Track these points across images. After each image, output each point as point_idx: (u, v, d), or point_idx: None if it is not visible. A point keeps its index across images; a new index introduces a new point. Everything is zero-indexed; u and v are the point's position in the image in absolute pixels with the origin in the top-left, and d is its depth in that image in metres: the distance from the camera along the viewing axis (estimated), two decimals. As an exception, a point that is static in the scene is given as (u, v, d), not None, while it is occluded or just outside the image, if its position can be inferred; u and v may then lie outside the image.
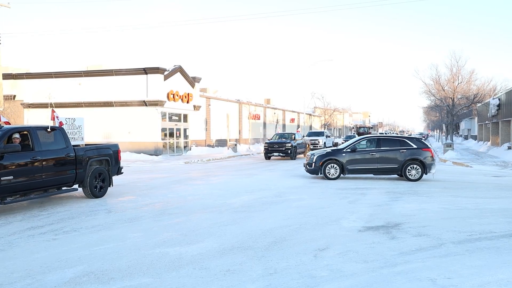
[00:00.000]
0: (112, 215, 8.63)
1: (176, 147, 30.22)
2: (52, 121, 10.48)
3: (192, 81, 31.66)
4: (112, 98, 27.92)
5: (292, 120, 60.86)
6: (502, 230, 7.28)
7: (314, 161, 15.12)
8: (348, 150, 15.03)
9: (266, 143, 27.02)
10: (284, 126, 56.26)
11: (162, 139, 28.25)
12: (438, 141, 61.98)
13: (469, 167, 22.24)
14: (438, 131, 72.82)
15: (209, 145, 35.79)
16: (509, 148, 29.61)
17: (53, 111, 10.60)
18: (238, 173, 17.65)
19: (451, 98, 39.38)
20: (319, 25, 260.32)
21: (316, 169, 15.06)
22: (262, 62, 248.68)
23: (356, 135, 52.55)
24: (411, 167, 14.64)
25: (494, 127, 38.82)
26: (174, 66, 29.21)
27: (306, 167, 15.57)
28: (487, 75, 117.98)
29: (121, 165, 11.93)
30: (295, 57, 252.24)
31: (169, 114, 29.17)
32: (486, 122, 42.09)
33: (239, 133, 42.70)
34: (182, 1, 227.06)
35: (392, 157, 14.75)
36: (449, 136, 44.25)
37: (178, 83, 29.52)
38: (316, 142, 37.56)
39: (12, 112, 27.12)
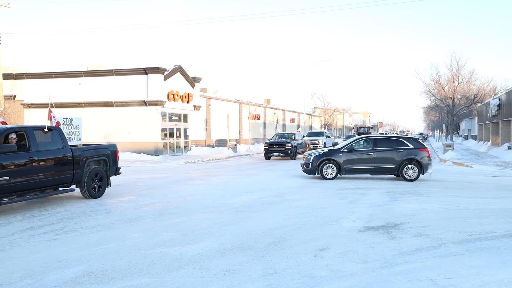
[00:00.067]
0: (112, 215, 8.63)
1: (176, 147, 30.22)
2: (49, 121, 10.36)
3: (192, 81, 31.67)
4: (112, 98, 27.93)
5: (292, 120, 60.86)
6: (502, 230, 7.28)
7: (311, 161, 15.12)
8: (345, 150, 15.04)
9: (266, 143, 27.02)
10: (284, 126, 56.27)
11: (162, 139, 28.25)
12: (438, 141, 61.97)
13: (469, 167, 22.24)
14: (438, 131, 72.81)
15: (209, 145, 35.80)
16: (509, 148, 29.60)
17: (50, 111, 10.48)
18: (238, 173, 17.65)
19: (451, 98, 39.39)
20: (319, 25, 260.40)
21: (313, 169, 15.06)
22: (262, 62, 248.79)
23: (356, 135, 52.56)
24: (408, 167, 14.66)
25: (494, 127, 38.82)
26: (174, 66, 29.22)
27: (303, 167, 15.57)
28: (487, 75, 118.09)
29: (119, 165, 11.86)
30: (295, 57, 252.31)
31: (169, 114, 29.18)
32: (486, 122, 42.09)
33: (239, 133, 42.71)
34: (182, 1, 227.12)
35: (389, 157, 14.77)
36: (449, 136, 44.26)
37: (178, 83, 29.52)
38: (316, 142, 37.56)
39: (12, 112, 27.13)
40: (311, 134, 41.89)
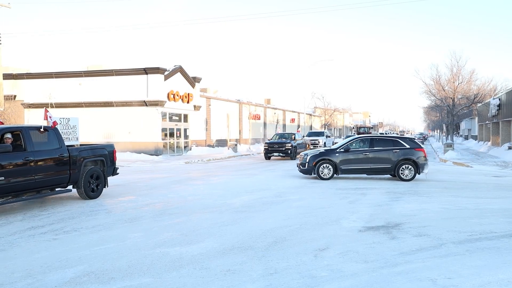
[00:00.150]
0: (113, 215, 8.63)
1: (177, 147, 30.22)
2: (45, 120, 10.24)
3: (192, 81, 31.67)
4: (113, 98, 27.94)
5: (293, 120, 60.86)
6: (503, 230, 7.28)
7: (307, 161, 15.11)
8: (342, 150, 15.03)
9: (266, 143, 27.02)
10: (284, 126, 56.26)
11: (163, 139, 28.25)
12: (439, 141, 61.95)
13: (470, 167, 22.23)
14: (438, 131, 72.81)
15: (209, 145, 35.80)
16: (509, 148, 29.58)
17: (46, 111, 10.32)
18: (238, 173, 17.65)
19: (451, 98, 39.39)
20: (319, 25, 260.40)
21: (310, 169, 15.05)
22: (262, 62, 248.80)
23: (356, 135, 52.49)
24: (404, 167, 14.67)
25: (494, 127, 38.80)
26: (175, 66, 29.22)
27: (299, 167, 15.55)
28: (487, 75, 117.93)
29: (116, 165, 11.77)
30: (295, 57, 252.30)
31: (169, 114, 29.18)
32: (487, 122, 42.08)
33: (239, 133, 42.71)
34: (182, 1, 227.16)
35: (385, 157, 14.78)
36: (449, 136, 44.25)
37: (178, 83, 29.53)
38: (316, 142, 37.57)
39: (12, 112, 27.12)
40: (311, 134, 41.90)
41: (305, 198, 10.85)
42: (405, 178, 14.60)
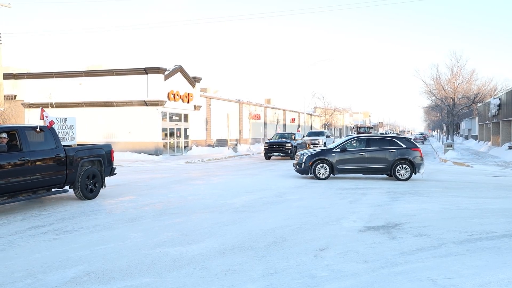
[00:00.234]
0: (113, 215, 8.63)
1: (177, 147, 30.23)
2: (42, 120, 10.12)
3: (193, 81, 31.67)
4: (113, 98, 27.94)
5: (293, 120, 60.86)
6: (503, 230, 7.27)
7: (304, 161, 15.10)
8: (338, 150, 15.03)
9: (266, 143, 27.01)
10: (284, 126, 56.27)
11: (163, 139, 28.26)
12: (439, 141, 61.94)
13: (470, 167, 22.23)
14: (438, 131, 72.80)
15: (209, 145, 35.80)
16: (509, 148, 29.57)
17: (42, 110, 10.21)
18: (239, 173, 17.65)
19: (451, 98, 39.40)
20: (319, 25, 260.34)
21: (306, 169, 15.04)
22: (263, 62, 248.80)
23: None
24: (400, 167, 14.68)
25: (494, 127, 38.79)
26: (175, 66, 29.22)
27: (295, 167, 15.54)
28: (487, 75, 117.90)
29: (114, 165, 11.67)
30: (295, 57, 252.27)
31: (169, 114, 29.18)
32: (487, 122, 42.07)
33: (240, 133, 42.72)
34: (182, 1, 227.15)
35: (381, 157, 14.78)
36: (449, 136, 44.25)
37: (178, 83, 29.53)
38: (316, 142, 37.56)
39: (13, 112, 27.12)
40: (311, 134, 41.90)
41: (305, 198, 10.85)
42: (401, 178, 14.61)
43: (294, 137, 27.96)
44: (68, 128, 11.71)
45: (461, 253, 5.93)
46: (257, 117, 46.32)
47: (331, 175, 14.99)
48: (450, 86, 40.69)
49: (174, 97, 28.43)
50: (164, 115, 28.40)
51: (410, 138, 15.98)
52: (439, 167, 22.00)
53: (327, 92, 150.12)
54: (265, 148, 26.58)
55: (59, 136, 10.50)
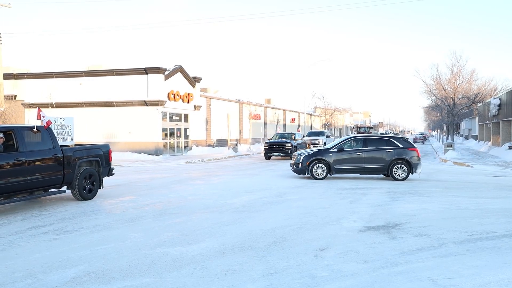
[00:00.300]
0: (113, 215, 8.63)
1: (177, 147, 30.22)
2: (39, 120, 10.01)
3: (193, 81, 31.67)
4: (113, 98, 27.94)
5: (293, 120, 60.85)
6: (503, 230, 7.27)
7: (301, 161, 15.08)
8: (335, 150, 15.01)
9: (266, 143, 26.99)
10: (284, 126, 56.26)
11: (163, 139, 28.26)
12: (439, 141, 61.92)
13: (470, 167, 22.22)
14: (438, 131, 72.78)
15: (209, 145, 35.80)
16: (510, 148, 29.56)
17: (39, 110, 10.10)
18: (239, 173, 17.65)
19: (451, 98, 39.40)
20: (319, 25, 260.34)
21: (303, 169, 15.02)
22: (263, 62, 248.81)
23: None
24: (397, 167, 14.68)
25: (495, 127, 38.78)
26: (175, 66, 29.22)
27: (293, 167, 15.52)
28: (487, 75, 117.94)
29: (112, 166, 11.59)
30: (296, 57, 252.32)
31: (169, 114, 29.18)
32: (487, 122, 42.05)
33: (240, 133, 42.71)
34: (182, 1, 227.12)
35: (378, 157, 14.77)
36: (449, 136, 44.24)
37: (178, 83, 29.52)
38: (316, 142, 37.55)
39: (13, 112, 27.11)
40: (311, 134, 41.91)
41: (305, 198, 10.85)
42: (398, 177, 14.60)
43: (294, 137, 27.95)
44: (66, 128, 11.59)
45: (461, 253, 5.92)
46: (257, 117, 46.31)
47: (328, 175, 14.98)
48: (450, 86, 40.68)
49: (174, 97, 28.42)
50: (164, 115, 28.40)
51: (407, 138, 15.98)
52: (439, 167, 22.00)
53: (327, 92, 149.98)
54: (265, 148, 26.56)
55: (56, 136, 10.43)
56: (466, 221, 8.01)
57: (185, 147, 31.14)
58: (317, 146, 36.11)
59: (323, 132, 42.78)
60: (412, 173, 14.80)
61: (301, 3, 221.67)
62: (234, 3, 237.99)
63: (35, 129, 9.40)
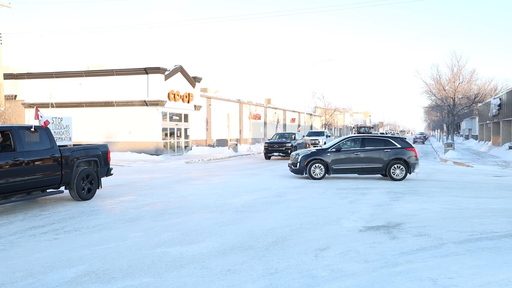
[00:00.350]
0: (113, 215, 8.63)
1: (177, 147, 30.23)
2: (37, 120, 9.94)
3: (193, 81, 31.67)
4: (113, 98, 27.95)
5: (293, 120, 60.85)
6: (503, 230, 7.27)
7: (299, 161, 15.07)
8: (333, 149, 15.01)
9: (266, 143, 26.99)
10: (284, 126, 56.26)
11: (163, 139, 28.26)
12: (439, 141, 61.91)
13: (470, 167, 22.22)
14: (439, 131, 72.77)
15: (209, 145, 35.80)
16: (510, 148, 29.56)
17: (37, 110, 10.05)
18: (239, 173, 17.65)
19: (452, 98, 39.40)
20: (319, 25, 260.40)
21: (301, 169, 15.01)
22: (263, 62, 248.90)
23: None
24: (395, 167, 14.68)
25: (495, 127, 38.78)
26: (175, 66, 29.22)
27: (290, 167, 15.51)
28: (488, 75, 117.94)
29: (110, 166, 11.52)
30: (296, 57, 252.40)
31: (169, 114, 29.18)
32: (487, 122, 42.04)
33: (240, 133, 42.71)
34: (182, 1, 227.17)
35: (376, 157, 14.78)
36: (450, 136, 44.24)
37: (178, 83, 29.53)
38: (316, 142, 37.54)
39: (13, 112, 27.11)
40: (311, 133, 41.91)
41: (306, 198, 10.85)
42: (396, 177, 14.60)
43: (294, 137, 27.94)
44: (64, 128, 11.51)
45: (461, 253, 5.92)
46: (257, 117, 46.30)
47: (326, 175, 14.98)
48: (450, 86, 40.67)
49: (174, 97, 28.42)
50: (164, 115, 28.40)
51: (405, 138, 16.00)
52: (439, 167, 22.00)
53: (327, 92, 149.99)
54: (265, 148, 26.55)
55: (54, 136, 10.36)
56: (466, 221, 8.01)
57: (185, 147, 31.14)
58: (317, 146, 36.09)
59: (323, 132, 42.78)
60: (410, 173, 14.80)
61: (301, 3, 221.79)
62: (234, 3, 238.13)
63: (32, 129, 9.35)
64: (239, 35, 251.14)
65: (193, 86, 31.71)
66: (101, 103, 28.22)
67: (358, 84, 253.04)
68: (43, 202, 10.16)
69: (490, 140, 41.25)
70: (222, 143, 37.94)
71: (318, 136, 39.93)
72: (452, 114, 40.29)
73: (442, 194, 11.61)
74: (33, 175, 9.01)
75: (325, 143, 37.83)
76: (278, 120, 50.35)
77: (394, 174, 14.66)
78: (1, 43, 24.92)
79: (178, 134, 30.37)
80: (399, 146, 14.92)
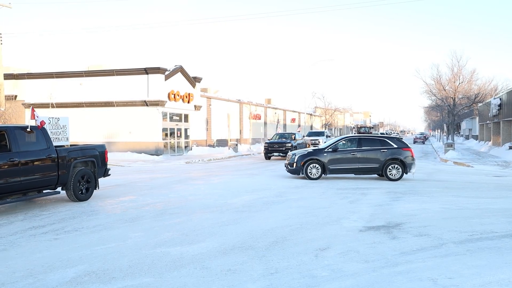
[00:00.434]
0: (113, 215, 8.64)
1: (177, 147, 30.23)
2: (33, 120, 9.85)
3: (193, 81, 31.67)
4: (113, 98, 27.95)
5: (293, 120, 60.85)
6: (504, 230, 7.27)
7: (295, 161, 15.06)
8: (330, 150, 15.01)
9: (266, 143, 26.99)
10: (285, 126, 56.25)
11: (163, 139, 28.26)
12: (439, 141, 61.91)
13: (470, 167, 22.21)
14: (439, 131, 72.75)
15: (210, 145, 35.80)
16: (510, 148, 29.56)
17: (33, 110, 9.99)
18: (239, 173, 17.65)
19: (452, 98, 39.36)
20: (319, 25, 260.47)
21: (298, 169, 15.00)
22: (263, 62, 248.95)
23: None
24: (391, 167, 14.68)
25: (495, 127, 38.77)
26: (175, 66, 29.23)
27: (287, 167, 15.50)
28: (488, 75, 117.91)
29: (108, 166, 11.44)
30: (296, 57, 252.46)
31: (170, 114, 29.19)
32: (487, 122, 42.04)
33: (240, 133, 42.71)
34: (182, 1, 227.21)
35: (373, 157, 14.78)
36: (450, 136, 44.23)
37: (179, 83, 29.53)
38: (316, 142, 37.51)
39: (13, 112, 27.13)
40: (311, 134, 41.90)
41: (306, 197, 10.85)
42: (392, 177, 14.60)
43: (294, 137, 27.94)
44: (61, 128, 11.39)
45: (461, 253, 5.92)
46: (258, 117, 46.30)
47: (323, 175, 14.97)
48: (450, 86, 40.64)
49: (174, 97, 28.43)
50: (164, 115, 28.41)
51: (402, 138, 16.00)
52: (439, 167, 22.00)
53: (327, 92, 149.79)
54: (265, 148, 26.55)
55: (51, 136, 10.30)
56: (466, 221, 8.01)
57: (185, 147, 31.14)
58: (317, 146, 36.05)
59: (323, 132, 42.77)
60: (406, 173, 14.81)
61: (301, 3, 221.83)
62: (234, 3, 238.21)
63: (28, 129, 9.27)
64: (239, 35, 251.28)
65: (193, 86, 31.72)
66: (101, 103, 28.22)
67: (358, 84, 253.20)
68: (43, 202, 10.16)
69: (490, 140, 41.24)
70: (222, 143, 37.94)
71: (318, 136, 39.91)
72: (452, 114, 40.27)
73: (443, 194, 11.61)
74: (29, 175, 8.92)
75: (325, 143, 37.83)
76: (278, 120, 50.31)
77: (390, 174, 14.66)
78: (1, 43, 24.93)
79: (178, 134, 30.38)
80: (395, 146, 14.92)
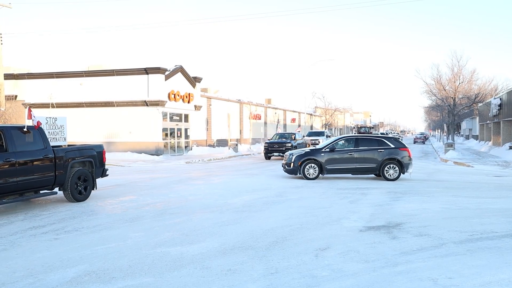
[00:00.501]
0: (113, 215, 8.64)
1: (177, 147, 30.23)
2: (29, 120, 9.78)
3: (193, 81, 31.67)
4: (113, 98, 27.96)
5: (293, 120, 60.85)
6: (504, 230, 7.27)
7: (293, 161, 15.06)
8: (327, 150, 15.00)
9: (266, 143, 26.99)
10: (285, 126, 56.26)
11: (163, 139, 28.27)
12: (440, 141, 61.90)
13: (471, 167, 22.21)
14: (439, 131, 72.74)
15: (210, 145, 35.80)
16: (510, 148, 29.56)
17: (30, 110, 9.92)
18: (239, 173, 17.66)
19: (452, 97, 39.37)
20: (319, 25, 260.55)
21: (295, 169, 14.99)
22: (263, 62, 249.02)
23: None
24: (389, 167, 14.69)
25: (495, 127, 38.76)
26: (175, 66, 29.23)
27: (284, 167, 15.49)
28: (488, 75, 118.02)
29: (106, 167, 11.35)
30: (296, 57, 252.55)
31: (170, 114, 29.19)
32: (488, 122, 42.03)
33: (240, 133, 42.71)
34: (182, 1, 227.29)
35: (370, 157, 14.78)
36: (450, 136, 44.23)
37: (179, 83, 29.53)
38: (317, 142, 37.48)
39: (13, 112, 27.14)
40: (311, 134, 41.89)
41: (306, 197, 10.85)
42: (389, 177, 14.60)
43: (294, 137, 27.94)
44: (59, 128, 11.31)
45: (461, 253, 5.92)
46: (258, 117, 46.30)
47: (320, 175, 14.96)
48: (450, 86, 40.65)
49: (174, 97, 28.43)
50: (164, 115, 28.41)
51: (399, 138, 16.00)
52: (439, 167, 22.00)
53: (327, 92, 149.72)
54: (265, 148, 26.55)
55: (48, 136, 10.25)
56: (466, 221, 8.01)
57: (185, 147, 31.14)
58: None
59: (323, 132, 42.77)
60: (403, 173, 14.81)
61: (301, 3, 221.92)
62: (234, 3, 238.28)
63: (25, 129, 9.22)
64: (239, 35, 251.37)
65: (194, 86, 31.72)
66: (101, 103, 28.23)
67: (358, 84, 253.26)
68: (43, 202, 10.17)
69: (490, 140, 41.23)
70: (222, 143, 37.94)
71: (318, 136, 39.90)
72: (452, 114, 40.27)
73: (443, 194, 11.61)
74: (25, 176, 8.86)
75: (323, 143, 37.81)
76: (278, 120, 50.31)
77: (387, 174, 14.66)
78: (1, 43, 24.94)
79: (179, 134, 30.38)
80: (392, 146, 14.92)
